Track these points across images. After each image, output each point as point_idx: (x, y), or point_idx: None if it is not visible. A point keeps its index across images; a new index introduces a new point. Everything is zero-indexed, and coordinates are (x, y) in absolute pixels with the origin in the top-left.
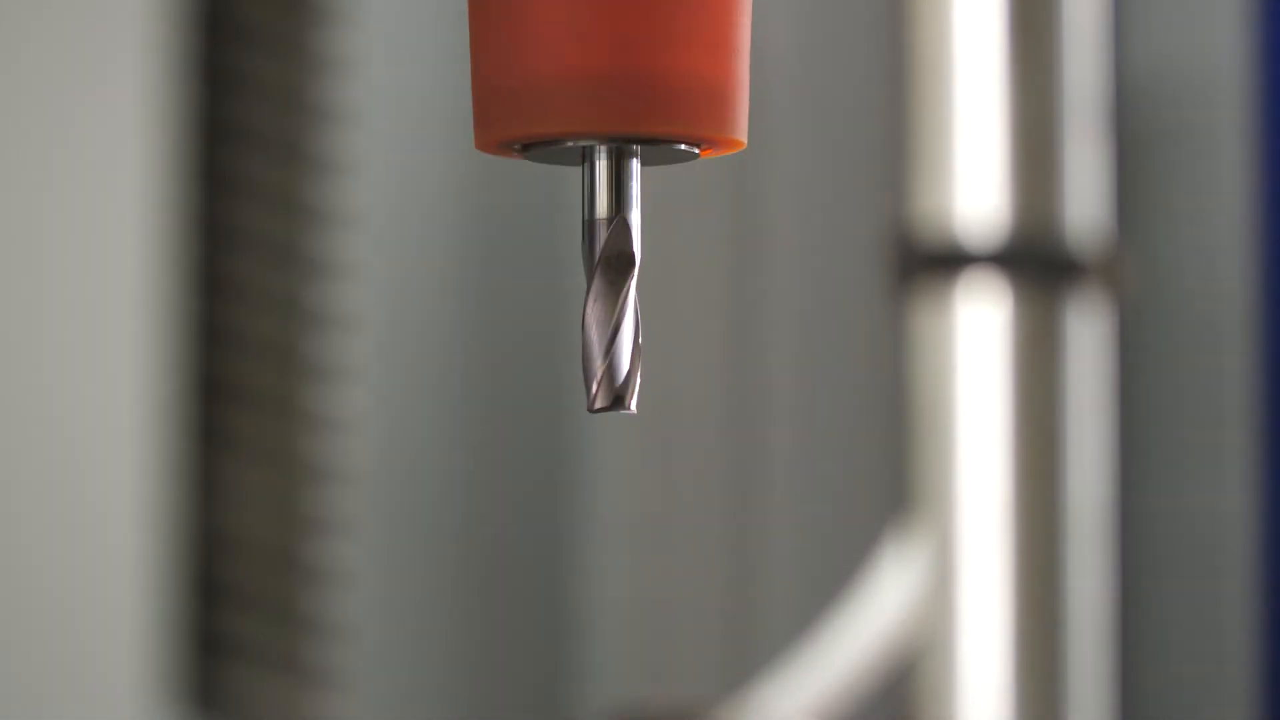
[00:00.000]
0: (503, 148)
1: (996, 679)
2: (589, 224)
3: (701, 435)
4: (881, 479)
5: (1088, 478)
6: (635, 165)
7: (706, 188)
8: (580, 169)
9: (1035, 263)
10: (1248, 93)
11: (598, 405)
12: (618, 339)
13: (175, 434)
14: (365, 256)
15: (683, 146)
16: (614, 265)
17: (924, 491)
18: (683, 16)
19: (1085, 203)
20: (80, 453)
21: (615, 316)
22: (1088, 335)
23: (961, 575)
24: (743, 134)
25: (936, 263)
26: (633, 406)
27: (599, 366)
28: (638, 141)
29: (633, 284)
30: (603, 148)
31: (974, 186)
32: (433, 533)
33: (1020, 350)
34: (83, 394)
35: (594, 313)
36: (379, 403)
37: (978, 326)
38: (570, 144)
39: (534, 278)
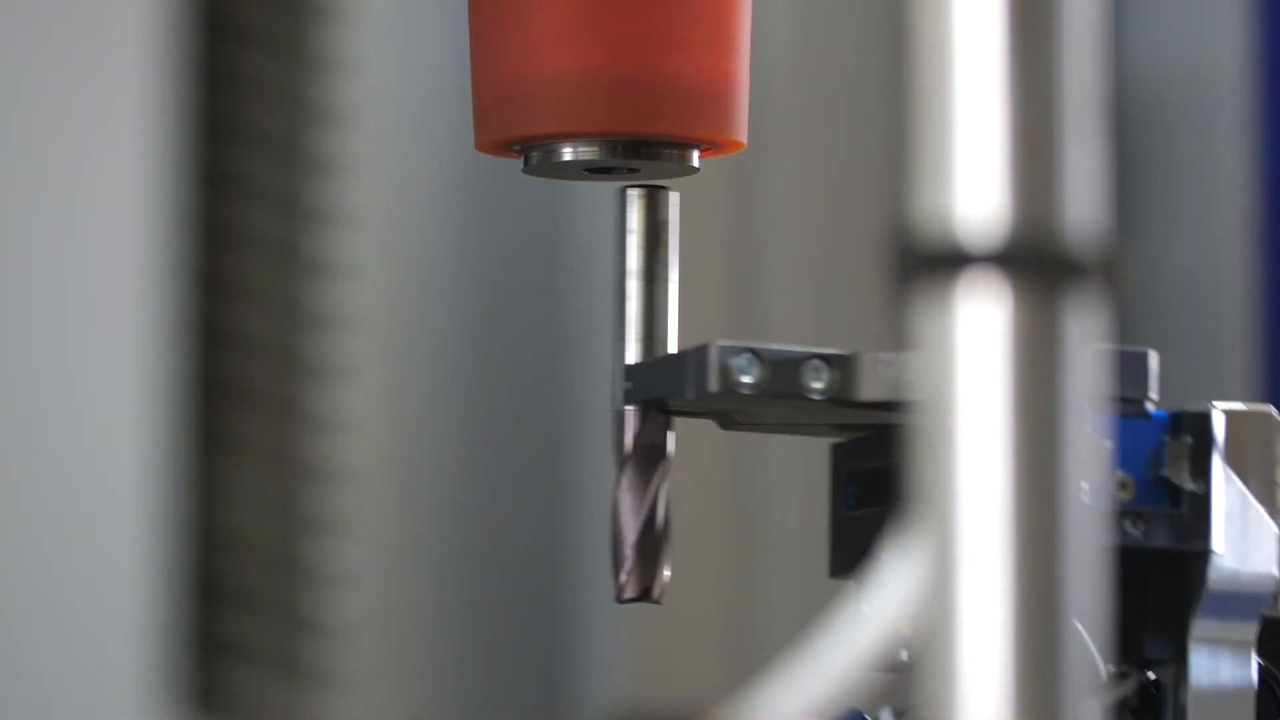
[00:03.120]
0: (503, 148)
1: (996, 679)
2: (618, 414)
3: (701, 434)
4: None
5: (1088, 477)
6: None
7: (706, 188)
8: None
9: (1035, 263)
10: (1247, 92)
11: (626, 595)
12: (648, 532)
13: (175, 434)
14: (365, 256)
15: (681, 158)
16: (646, 457)
17: (924, 491)
18: (682, 17)
19: (1085, 203)
20: (80, 453)
21: (646, 509)
22: (1088, 335)
23: (961, 575)
24: (742, 134)
25: (936, 263)
26: (660, 599)
27: (629, 558)
28: (637, 141)
29: (664, 477)
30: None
31: (974, 186)
32: (433, 533)
33: (1020, 350)
34: (82, 394)
35: (625, 504)
36: (379, 403)
37: (978, 326)
38: (569, 157)
39: (534, 278)
